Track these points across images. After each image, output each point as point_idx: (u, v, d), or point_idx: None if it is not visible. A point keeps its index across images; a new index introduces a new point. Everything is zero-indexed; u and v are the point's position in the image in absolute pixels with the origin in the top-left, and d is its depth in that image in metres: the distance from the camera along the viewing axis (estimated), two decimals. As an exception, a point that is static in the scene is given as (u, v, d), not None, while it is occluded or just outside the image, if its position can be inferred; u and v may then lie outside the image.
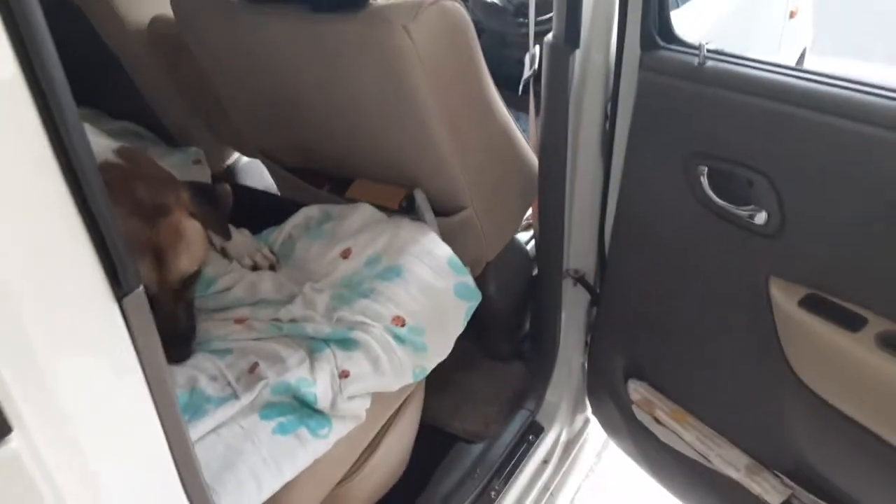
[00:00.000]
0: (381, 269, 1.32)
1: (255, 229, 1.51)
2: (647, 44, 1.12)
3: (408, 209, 1.44)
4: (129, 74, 1.79)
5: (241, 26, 1.34)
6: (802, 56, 2.65)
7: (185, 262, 1.11)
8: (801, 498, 1.16)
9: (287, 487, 1.06)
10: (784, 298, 1.02)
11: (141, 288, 0.59)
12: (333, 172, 1.61)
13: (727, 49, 1.06)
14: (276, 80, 1.40)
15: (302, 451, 1.07)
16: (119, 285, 0.56)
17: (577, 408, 1.70)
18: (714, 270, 1.14)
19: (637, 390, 1.38)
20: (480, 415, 1.68)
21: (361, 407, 1.15)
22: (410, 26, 1.15)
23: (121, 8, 1.62)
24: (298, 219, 1.49)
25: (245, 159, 2.01)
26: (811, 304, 0.99)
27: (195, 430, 1.08)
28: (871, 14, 3.61)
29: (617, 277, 1.38)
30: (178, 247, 1.10)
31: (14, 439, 0.43)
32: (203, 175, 1.74)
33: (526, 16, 1.83)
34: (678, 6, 1.62)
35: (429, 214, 1.43)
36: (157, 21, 1.64)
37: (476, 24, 2.56)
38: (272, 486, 1.03)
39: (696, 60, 1.05)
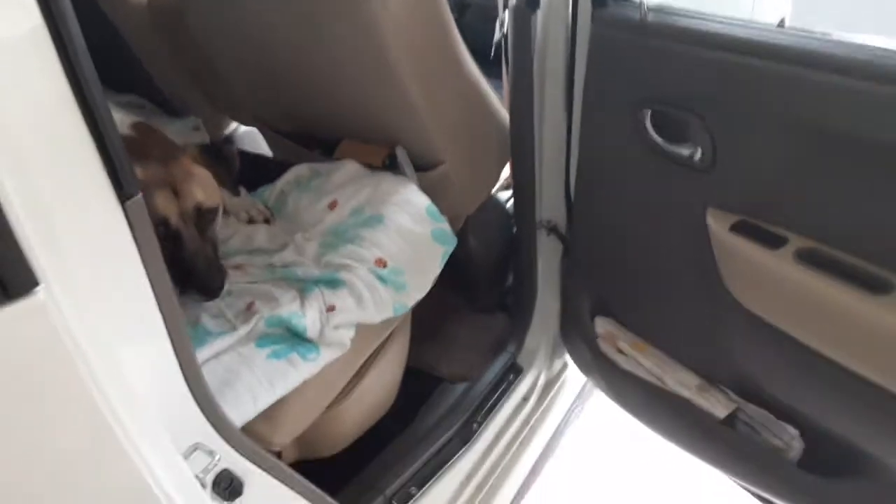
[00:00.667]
0: (365, 218, 1.45)
1: (251, 188, 1.64)
2: (597, 1, 1.23)
3: (391, 166, 1.57)
4: (130, 48, 1.91)
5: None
6: (781, 26, 2.72)
7: (199, 194, 1.28)
8: (745, 409, 1.28)
9: (280, 404, 1.20)
10: (718, 226, 1.14)
11: (140, 195, 0.71)
12: (322, 135, 1.73)
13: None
14: (262, 47, 1.52)
15: (293, 373, 1.21)
16: (122, 189, 0.68)
17: (554, 352, 1.82)
18: (661, 207, 1.26)
19: (602, 326, 1.51)
20: (465, 359, 1.81)
21: (346, 336, 1.28)
22: None
23: (122, -14, 1.75)
24: (290, 176, 1.62)
25: (242, 128, 2.14)
26: (740, 229, 1.12)
27: (201, 354, 1.21)
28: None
29: (581, 223, 1.50)
30: (190, 181, 1.28)
31: (41, 291, 0.55)
32: (201, 138, 1.87)
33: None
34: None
35: (409, 169, 1.55)
36: (155, -3, 1.76)
37: (461, 4, 2.68)
38: (266, 401, 1.17)
39: (637, 15, 1.16)
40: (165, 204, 1.25)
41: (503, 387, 1.72)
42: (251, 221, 1.56)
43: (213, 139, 2.04)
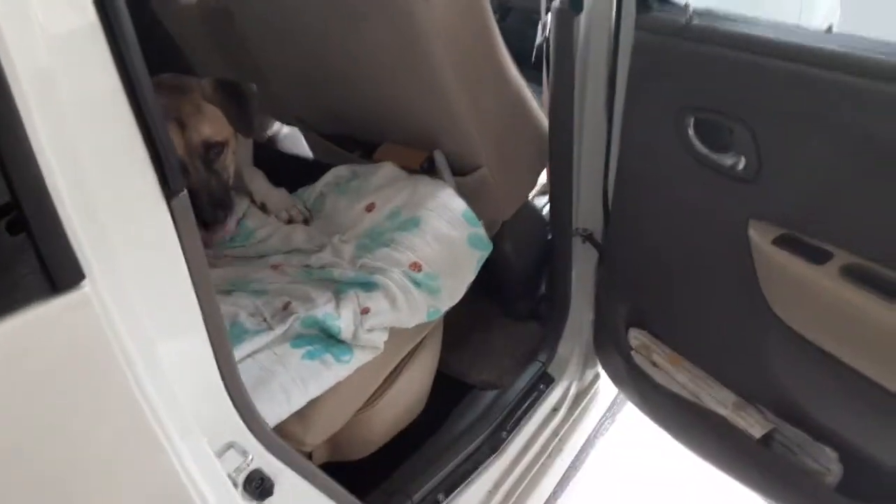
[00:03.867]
0: (401, 221, 1.45)
1: (291, 188, 1.66)
2: (641, 5, 1.22)
3: (429, 169, 1.58)
4: (180, 47, 1.95)
5: (275, -2, 1.48)
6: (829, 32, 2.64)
7: (205, 129, 1.35)
8: (782, 430, 1.25)
9: (313, 404, 1.21)
10: (761, 239, 1.12)
11: (185, 191, 0.73)
12: (363, 137, 1.75)
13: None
14: (306, 46, 1.54)
15: (326, 374, 1.22)
16: (168, 187, 0.70)
17: (587, 362, 1.80)
18: (702, 218, 1.24)
19: (637, 338, 1.49)
20: (496, 367, 1.80)
21: (380, 339, 1.28)
22: None
23: (172, -17, 1.78)
24: (329, 177, 1.63)
25: (286, 129, 2.17)
26: (784, 242, 1.09)
27: (237, 352, 1.23)
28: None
29: (618, 232, 1.48)
30: (197, 116, 1.35)
31: (87, 285, 0.57)
32: (245, 140, 1.89)
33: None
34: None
35: (447, 173, 1.55)
36: (204, -2, 1.79)
37: (503, 2, 2.68)
38: (299, 401, 1.18)
39: (683, 19, 1.14)
40: (172, 136, 1.31)
41: (533, 396, 1.71)
42: (290, 221, 1.58)
43: (257, 140, 2.08)
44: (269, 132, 2.13)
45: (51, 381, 0.56)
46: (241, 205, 1.60)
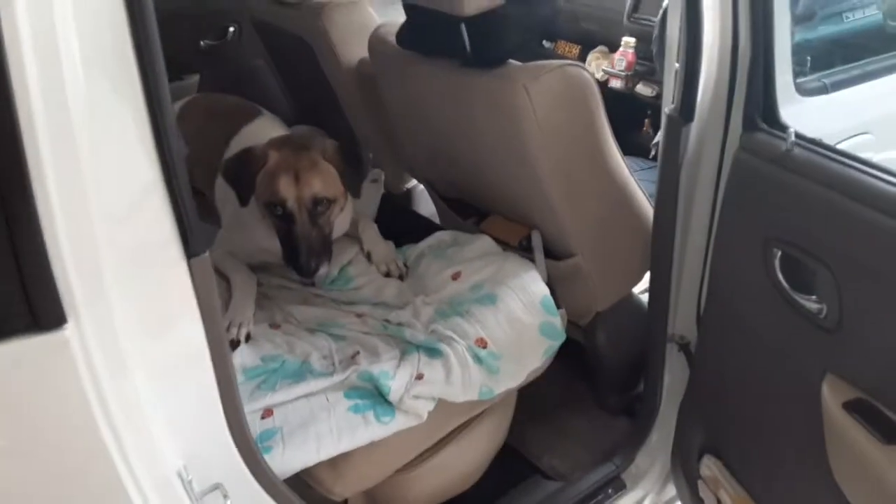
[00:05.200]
0: (481, 295, 1.48)
1: (399, 243, 1.76)
2: (748, 125, 1.15)
3: (525, 247, 1.58)
4: (341, 105, 2.16)
5: (408, 73, 1.60)
6: None
7: (317, 185, 1.47)
8: None
9: (346, 456, 1.26)
10: (832, 398, 0.99)
11: (207, 253, 0.82)
12: (478, 205, 1.80)
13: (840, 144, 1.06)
14: (430, 122, 1.64)
15: (363, 431, 1.27)
16: (189, 247, 0.79)
17: (670, 476, 1.67)
18: (780, 357, 1.12)
19: (709, 466, 1.36)
20: (570, 457, 1.73)
21: (424, 408, 1.31)
22: (531, 87, 1.30)
23: (338, 49, 1.98)
24: (432, 240, 1.70)
25: (421, 186, 2.29)
26: (856, 408, 0.95)
27: (294, 391, 1.33)
28: None
29: (704, 350, 1.38)
30: (311, 172, 1.48)
31: (69, 328, 0.67)
32: (377, 192, 2.04)
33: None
34: (827, 91, 1.54)
35: (539, 255, 1.55)
36: (363, 62, 1.97)
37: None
38: (328, 452, 1.24)
39: (784, 146, 1.06)
40: (286, 187, 1.47)
41: (598, 498, 1.62)
42: (388, 275, 1.67)
43: (395, 193, 2.22)
44: (406, 186, 2.26)
45: (18, 408, 0.67)
46: (350, 251, 1.72)
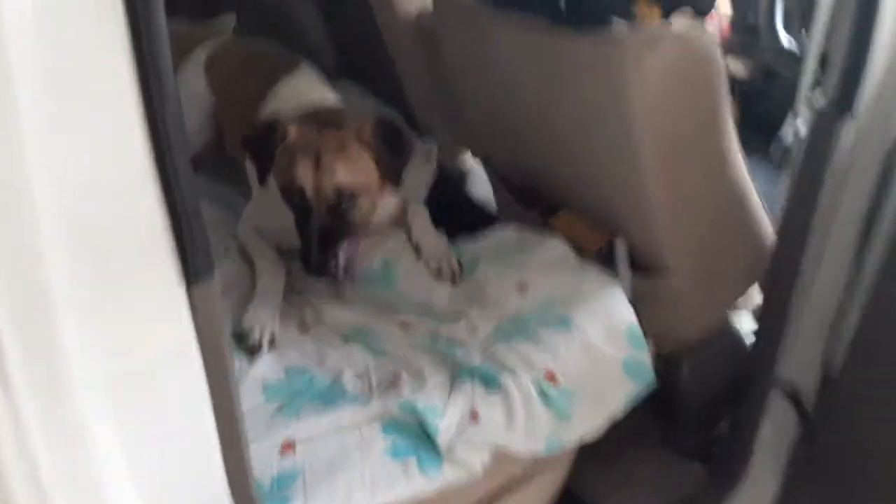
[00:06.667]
0: (552, 315, 1.21)
1: (452, 235, 1.49)
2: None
3: (605, 257, 1.30)
4: (394, 61, 1.88)
5: (479, 30, 1.31)
6: None
7: (341, 173, 1.20)
8: None
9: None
10: None
11: (215, 279, 0.57)
12: (546, 195, 1.52)
13: None
14: (503, 91, 1.36)
15: (402, 483, 1.02)
16: (189, 269, 0.55)
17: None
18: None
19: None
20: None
21: (479, 461, 1.06)
22: (645, 55, 1.02)
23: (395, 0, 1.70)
24: (492, 239, 1.43)
25: (478, 165, 2.00)
26: None
27: (322, 420, 1.09)
28: None
29: (844, 412, 1.10)
30: (337, 156, 1.20)
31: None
32: (429, 170, 1.77)
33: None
34: None
35: (624, 269, 1.27)
36: (422, 16, 1.69)
37: (767, 68, 2.24)
38: (360, 504, 1.00)
39: None
40: (303, 173, 1.20)
41: (670, 559, 1.36)
42: (438, 274, 1.40)
43: (448, 169, 1.94)
44: (460, 163, 1.98)
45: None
46: (397, 241, 1.46)
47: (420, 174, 1.71)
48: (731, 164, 1.17)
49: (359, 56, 2.05)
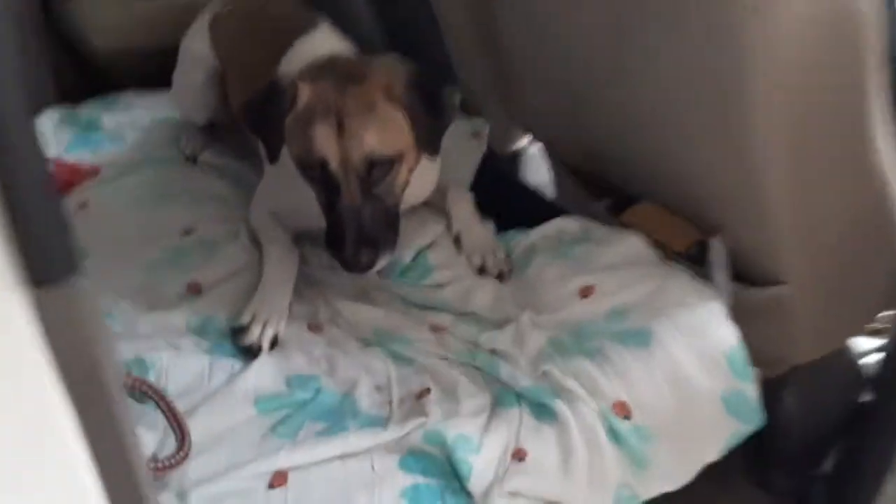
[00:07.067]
0: (625, 329, 0.95)
1: (502, 226, 1.23)
2: None
3: (695, 258, 1.03)
4: (441, 30, 1.64)
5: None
6: None
7: (372, 138, 0.96)
8: None
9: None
10: None
11: (78, 279, 0.33)
12: (618, 184, 1.25)
13: None
14: (576, 52, 1.10)
15: (420, 540, 0.77)
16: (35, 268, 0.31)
17: None
18: None
19: None
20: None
21: (523, 516, 0.80)
22: (769, 4, 0.75)
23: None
24: (551, 228, 1.17)
25: (535, 148, 1.74)
26: None
27: (324, 446, 0.86)
28: None
29: None
30: (365, 118, 0.96)
31: None
32: (477, 149, 1.51)
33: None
34: None
35: (722, 275, 1.00)
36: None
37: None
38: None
39: None
40: (324, 141, 0.96)
41: None
42: (482, 271, 1.15)
43: (499, 152, 1.68)
44: (514, 146, 1.72)
45: None
46: (432, 228, 1.21)
47: (466, 153, 1.46)
48: (876, 150, 0.89)
49: (404, 28, 1.81)
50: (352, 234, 0.95)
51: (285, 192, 1.15)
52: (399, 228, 1.03)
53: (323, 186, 1.00)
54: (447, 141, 1.52)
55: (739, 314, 0.98)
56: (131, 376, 0.85)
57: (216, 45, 1.41)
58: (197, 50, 1.42)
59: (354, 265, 0.96)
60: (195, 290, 1.11)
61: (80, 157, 1.52)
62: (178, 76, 1.48)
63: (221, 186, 1.39)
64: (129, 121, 1.62)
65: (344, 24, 1.53)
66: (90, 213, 1.32)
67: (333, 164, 0.96)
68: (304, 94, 0.99)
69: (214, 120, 1.48)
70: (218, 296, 1.10)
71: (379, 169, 0.98)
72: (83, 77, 1.90)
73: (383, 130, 0.97)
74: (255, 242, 1.19)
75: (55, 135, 1.58)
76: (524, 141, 1.73)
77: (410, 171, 1.03)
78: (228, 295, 1.10)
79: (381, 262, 0.99)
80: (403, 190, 1.04)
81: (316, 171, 0.99)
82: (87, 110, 1.66)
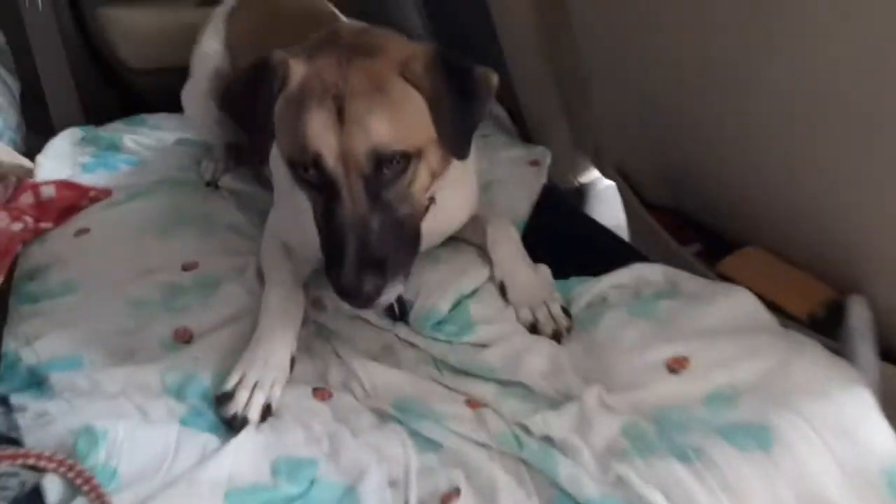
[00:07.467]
0: (733, 422, 0.70)
1: (562, 273, 0.99)
2: None
3: (823, 325, 0.77)
4: (503, 50, 1.45)
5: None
6: None
7: (379, 126, 0.75)
8: None
9: None
10: None
11: None
12: (712, 226, 1.00)
13: None
14: (659, 62, 0.88)
15: None
16: None
17: None
18: None
19: None
20: None
21: None
22: None
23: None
24: (625, 277, 0.94)
25: (604, 182, 1.52)
26: None
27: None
28: None
29: None
30: (372, 101, 0.75)
31: None
32: (535, 179, 1.29)
33: None
34: None
35: (867, 348, 0.73)
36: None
37: None
38: None
39: None
40: (322, 130, 0.75)
41: None
42: (534, 329, 0.91)
43: (563, 185, 1.45)
44: (581, 178, 1.49)
45: None
46: (475, 274, 0.98)
47: (523, 184, 1.24)
48: None
49: (454, 30, 1.64)
50: (352, 252, 0.73)
51: (297, 218, 0.94)
52: (417, 248, 0.81)
53: (319, 192, 0.78)
54: (500, 170, 1.30)
55: (890, 404, 0.72)
56: (65, 463, 0.64)
57: (230, 40, 1.28)
58: (209, 48, 1.30)
59: (354, 293, 0.74)
60: (184, 338, 0.92)
61: (96, 178, 1.39)
62: (186, 91, 1.35)
63: (237, 215, 1.23)
64: (151, 142, 1.52)
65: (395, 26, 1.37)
66: (89, 239, 1.17)
67: (330, 159, 0.75)
68: (298, 72, 0.78)
69: (233, 139, 1.32)
70: (208, 346, 0.90)
71: (389, 167, 0.76)
72: (118, 98, 1.83)
73: (395, 117, 0.76)
74: (263, 281, 0.99)
75: (72, 154, 1.48)
76: (592, 172, 1.50)
77: (433, 175, 0.80)
78: (220, 346, 0.90)
79: (390, 293, 0.76)
80: (424, 201, 0.82)
81: (309, 171, 0.77)
82: (111, 131, 1.56)
